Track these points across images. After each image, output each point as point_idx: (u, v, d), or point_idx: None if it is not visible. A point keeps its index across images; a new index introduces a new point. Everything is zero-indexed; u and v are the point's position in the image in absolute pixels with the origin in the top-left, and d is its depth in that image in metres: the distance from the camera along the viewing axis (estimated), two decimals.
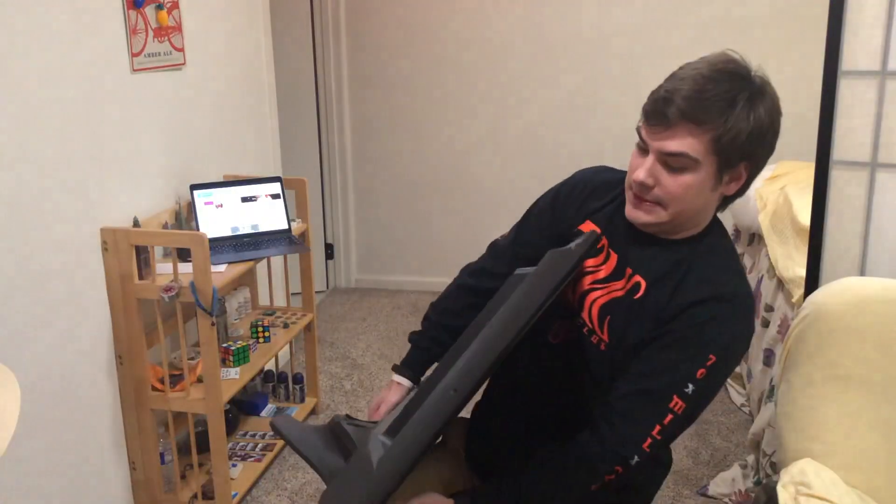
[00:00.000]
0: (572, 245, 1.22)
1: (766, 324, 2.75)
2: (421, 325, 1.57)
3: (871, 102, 1.65)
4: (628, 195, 1.28)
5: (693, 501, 2.52)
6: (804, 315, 1.54)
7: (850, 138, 1.68)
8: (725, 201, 1.29)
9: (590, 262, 1.33)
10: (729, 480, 2.54)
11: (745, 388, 3.08)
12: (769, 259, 2.81)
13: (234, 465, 2.64)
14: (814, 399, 1.52)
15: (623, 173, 1.33)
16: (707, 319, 1.19)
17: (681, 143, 1.17)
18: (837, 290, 1.53)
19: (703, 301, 1.20)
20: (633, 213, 1.26)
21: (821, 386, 1.51)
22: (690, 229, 1.28)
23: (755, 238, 3.29)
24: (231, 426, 2.81)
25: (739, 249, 3.53)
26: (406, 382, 1.52)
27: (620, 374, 1.25)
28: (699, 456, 2.77)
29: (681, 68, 1.22)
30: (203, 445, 2.43)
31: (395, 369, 1.55)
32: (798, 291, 2.38)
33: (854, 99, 1.66)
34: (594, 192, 1.39)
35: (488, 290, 1.39)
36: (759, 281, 2.98)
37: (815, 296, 1.56)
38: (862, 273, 1.72)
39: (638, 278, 1.27)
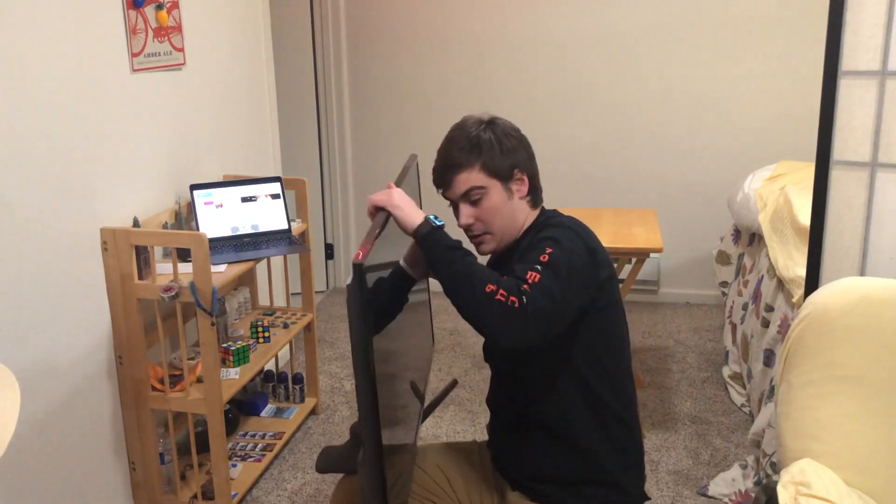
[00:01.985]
0: None
1: (766, 324, 2.75)
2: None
3: (871, 102, 1.65)
4: (471, 241, 1.61)
5: (693, 501, 2.52)
6: (804, 315, 1.54)
7: (850, 138, 1.68)
8: (532, 198, 1.61)
9: None
10: (729, 480, 2.54)
11: (745, 388, 3.08)
12: (769, 259, 2.81)
13: (234, 465, 2.64)
14: (814, 399, 1.52)
15: None
16: (540, 237, 1.50)
17: (466, 181, 1.54)
18: (837, 290, 1.53)
19: (534, 235, 1.54)
20: (480, 250, 1.60)
21: (821, 386, 1.51)
22: (522, 229, 1.60)
23: (755, 238, 3.29)
24: (231, 426, 2.81)
25: (740, 249, 3.53)
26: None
27: None
28: (699, 456, 2.77)
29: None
30: (203, 445, 2.43)
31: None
32: (798, 291, 2.38)
33: (854, 99, 1.66)
34: None
35: None
36: (760, 281, 2.98)
37: (815, 296, 1.56)
38: (862, 273, 1.72)
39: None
